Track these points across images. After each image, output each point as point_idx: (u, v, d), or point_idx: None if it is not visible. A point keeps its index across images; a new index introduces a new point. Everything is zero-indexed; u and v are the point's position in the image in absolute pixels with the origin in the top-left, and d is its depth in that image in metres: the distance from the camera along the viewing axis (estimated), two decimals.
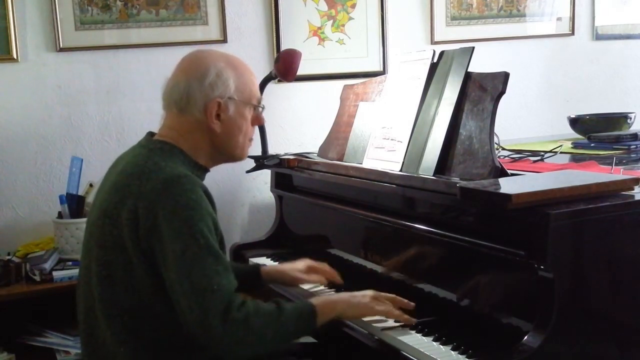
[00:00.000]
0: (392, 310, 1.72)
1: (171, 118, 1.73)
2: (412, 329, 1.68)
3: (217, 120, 1.70)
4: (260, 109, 1.80)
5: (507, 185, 1.55)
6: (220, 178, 2.90)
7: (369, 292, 1.76)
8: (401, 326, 1.70)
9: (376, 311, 1.72)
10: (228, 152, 1.76)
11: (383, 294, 1.76)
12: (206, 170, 1.77)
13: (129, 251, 1.56)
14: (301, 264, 2.06)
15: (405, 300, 1.74)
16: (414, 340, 1.62)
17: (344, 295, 1.78)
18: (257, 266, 2.10)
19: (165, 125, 1.74)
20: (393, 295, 1.76)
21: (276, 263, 2.41)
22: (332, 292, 1.99)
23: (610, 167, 1.91)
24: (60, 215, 2.55)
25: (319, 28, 3.05)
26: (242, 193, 3.01)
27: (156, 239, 1.53)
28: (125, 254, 1.56)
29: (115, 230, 1.58)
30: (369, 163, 2.11)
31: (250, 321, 1.51)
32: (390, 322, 1.72)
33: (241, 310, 1.51)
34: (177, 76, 1.72)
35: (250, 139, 1.81)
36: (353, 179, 2.09)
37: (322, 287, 2.04)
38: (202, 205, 1.56)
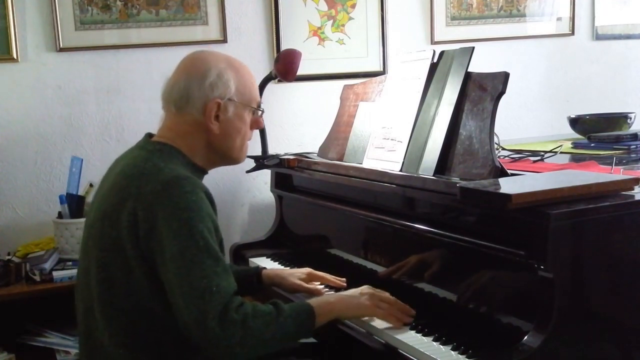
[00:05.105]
0: (391, 313, 1.71)
1: (169, 118, 1.73)
2: (412, 328, 1.68)
3: (216, 121, 1.69)
4: (259, 113, 1.80)
5: (507, 185, 1.55)
6: (220, 178, 2.90)
7: (366, 290, 1.76)
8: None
9: (376, 313, 1.72)
10: (225, 154, 1.76)
11: (379, 291, 1.76)
12: (204, 172, 1.76)
13: (128, 253, 1.55)
14: (302, 270, 2.06)
15: (407, 307, 1.74)
16: (414, 340, 1.62)
17: (342, 295, 1.77)
18: (258, 269, 2.09)
19: (164, 126, 1.74)
20: (389, 295, 1.76)
21: (276, 263, 2.41)
22: (331, 292, 1.99)
23: (610, 167, 1.91)
24: (60, 215, 2.55)
25: (319, 28, 3.05)
26: (242, 193, 3.01)
27: (155, 241, 1.52)
28: (124, 255, 1.56)
29: (114, 232, 1.57)
30: (369, 163, 2.11)
31: (248, 322, 1.50)
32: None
33: (239, 311, 1.50)
34: (177, 76, 1.72)
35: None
36: (353, 179, 2.09)
37: (326, 288, 2.04)
38: (202, 207, 1.55)
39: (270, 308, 1.57)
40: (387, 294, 1.76)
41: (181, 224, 1.51)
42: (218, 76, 1.68)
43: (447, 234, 1.71)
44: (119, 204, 1.58)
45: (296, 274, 2.04)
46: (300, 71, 2.63)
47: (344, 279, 2.04)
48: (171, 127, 1.71)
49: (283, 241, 2.60)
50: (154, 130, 1.79)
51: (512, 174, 1.72)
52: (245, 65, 1.79)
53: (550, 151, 2.21)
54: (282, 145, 2.95)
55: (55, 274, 2.38)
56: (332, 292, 1.99)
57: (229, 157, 1.77)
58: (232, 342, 1.48)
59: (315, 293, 1.99)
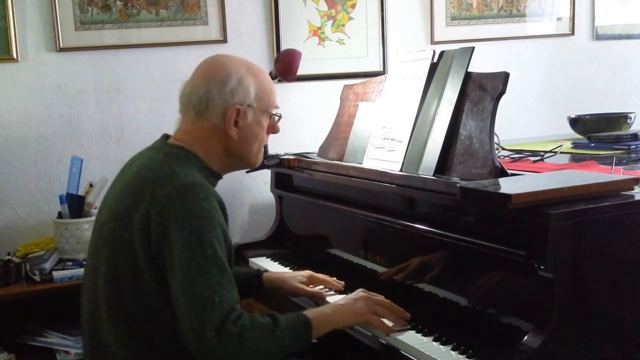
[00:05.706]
0: (387, 316, 1.70)
1: (187, 122, 1.72)
2: (412, 328, 1.68)
3: (235, 127, 1.69)
4: (276, 118, 1.80)
5: (507, 185, 1.55)
6: None
7: (360, 295, 1.75)
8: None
9: (371, 319, 1.70)
10: (242, 159, 1.76)
11: (373, 295, 1.75)
12: (219, 176, 1.76)
13: (138, 255, 1.55)
14: (303, 273, 2.05)
15: (402, 310, 1.73)
16: (414, 340, 1.62)
17: (338, 305, 1.74)
18: (259, 272, 2.07)
19: (181, 129, 1.73)
20: (383, 298, 1.75)
21: (276, 263, 2.41)
22: (333, 294, 2.00)
23: (610, 167, 1.91)
24: (60, 215, 2.55)
25: (319, 28, 3.05)
26: (242, 193, 3.01)
27: (165, 245, 1.52)
28: (134, 257, 1.56)
29: (125, 234, 1.57)
30: (369, 163, 2.11)
31: (244, 335, 1.49)
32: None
33: (237, 323, 1.50)
34: (196, 80, 1.70)
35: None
36: (353, 179, 2.09)
37: (327, 289, 2.03)
38: (214, 216, 1.55)
39: (268, 320, 1.56)
40: (381, 297, 1.76)
41: (192, 231, 1.51)
42: (239, 82, 1.68)
43: (447, 234, 1.71)
44: (132, 205, 1.58)
45: (297, 277, 2.03)
46: (300, 71, 2.63)
47: (343, 282, 2.03)
48: (189, 131, 1.71)
49: (283, 241, 2.60)
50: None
51: (512, 174, 1.72)
52: (263, 70, 1.79)
53: (550, 151, 2.21)
54: (282, 145, 2.94)
55: (55, 274, 2.38)
56: (332, 295, 1.98)
57: (245, 162, 1.78)
58: (229, 354, 1.48)
59: (316, 295, 1.99)
